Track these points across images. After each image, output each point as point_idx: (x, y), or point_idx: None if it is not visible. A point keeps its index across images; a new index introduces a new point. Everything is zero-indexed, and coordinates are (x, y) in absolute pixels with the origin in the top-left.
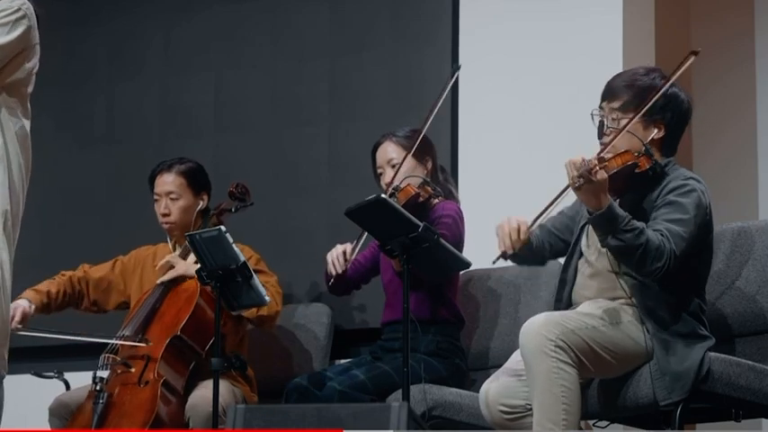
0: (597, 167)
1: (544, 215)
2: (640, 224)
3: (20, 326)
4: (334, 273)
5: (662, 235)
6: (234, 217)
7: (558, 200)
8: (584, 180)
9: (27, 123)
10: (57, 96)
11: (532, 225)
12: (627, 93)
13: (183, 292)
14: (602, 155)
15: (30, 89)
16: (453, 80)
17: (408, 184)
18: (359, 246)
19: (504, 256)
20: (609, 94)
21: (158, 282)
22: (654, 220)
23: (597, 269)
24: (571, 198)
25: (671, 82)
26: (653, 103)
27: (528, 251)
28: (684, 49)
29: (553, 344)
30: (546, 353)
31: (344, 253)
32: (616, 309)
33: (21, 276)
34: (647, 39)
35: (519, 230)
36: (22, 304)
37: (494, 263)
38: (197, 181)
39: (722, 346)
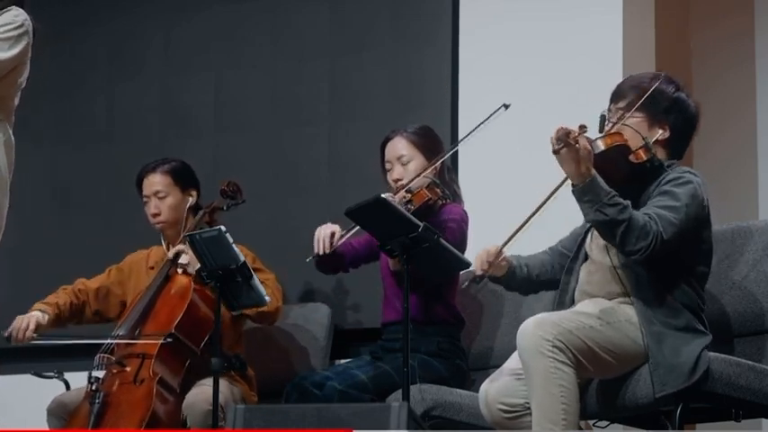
0: (577, 134)
1: (514, 238)
2: (626, 201)
3: (34, 335)
4: (318, 252)
5: (650, 217)
6: (234, 217)
7: (529, 222)
8: (562, 143)
9: (11, 134)
10: (57, 96)
11: (503, 246)
12: (633, 93)
13: (176, 290)
14: (585, 125)
15: (16, 102)
16: (494, 114)
17: (421, 189)
18: (350, 233)
19: (475, 279)
20: (616, 95)
21: (169, 255)
22: (646, 206)
23: (597, 265)
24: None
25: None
26: (657, 104)
27: (511, 276)
28: (684, 49)
29: (550, 344)
30: (543, 353)
31: (333, 234)
32: (614, 308)
33: (21, 275)
34: (647, 39)
35: (490, 253)
36: (36, 315)
37: (463, 286)
38: (183, 178)
39: (722, 346)
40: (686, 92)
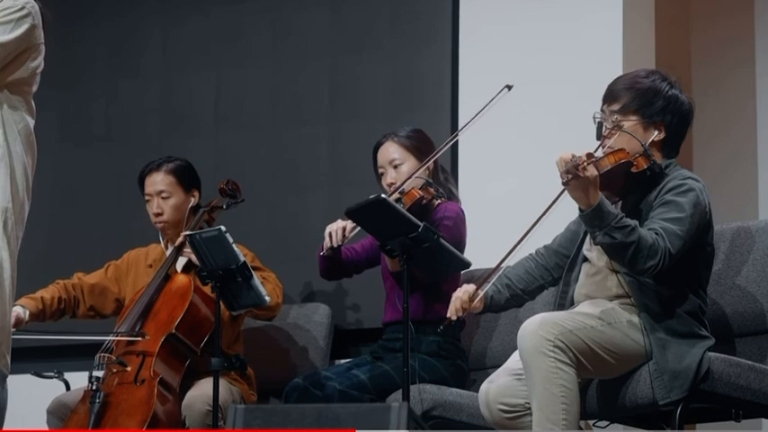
0: (585, 163)
1: (493, 278)
2: (633, 222)
3: (13, 329)
4: (329, 245)
5: (656, 234)
6: (233, 216)
7: (509, 257)
8: (571, 176)
9: (31, 121)
10: (56, 96)
11: (478, 290)
12: (627, 95)
13: (177, 290)
14: (592, 152)
15: (34, 88)
16: (498, 96)
17: (413, 188)
18: (358, 227)
19: (450, 323)
20: (609, 96)
21: (180, 237)
22: (651, 219)
23: (598, 267)
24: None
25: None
26: (651, 105)
27: (490, 307)
28: (684, 49)
29: (551, 344)
30: (544, 353)
31: (344, 229)
32: (615, 309)
33: (20, 275)
34: (647, 39)
35: (463, 300)
36: (16, 310)
37: (439, 330)
38: (187, 178)
39: (722, 346)
40: (679, 86)
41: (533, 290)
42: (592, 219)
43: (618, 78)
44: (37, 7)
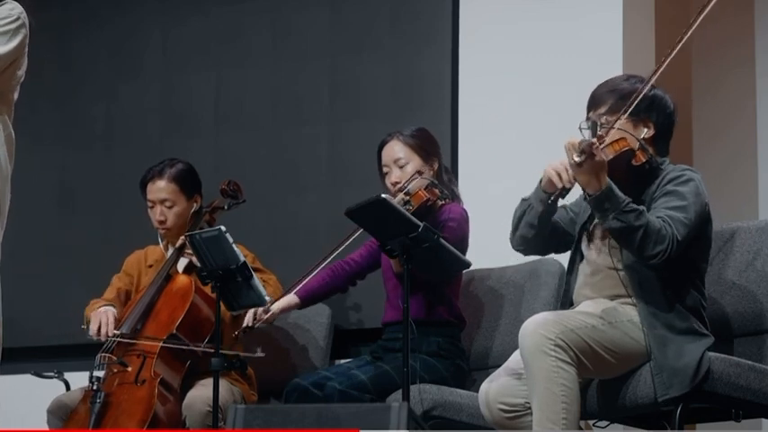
0: (598, 146)
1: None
2: (641, 207)
3: (117, 332)
4: (245, 325)
5: (663, 221)
6: (234, 216)
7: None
8: (586, 156)
9: (11, 129)
10: (57, 96)
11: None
12: (611, 97)
13: (178, 290)
14: (600, 133)
15: (15, 96)
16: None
17: (419, 190)
18: (270, 312)
19: (563, 192)
20: (594, 102)
21: (177, 243)
22: (654, 209)
23: (598, 267)
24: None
25: (704, 14)
26: (637, 104)
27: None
28: (685, 49)
29: (552, 343)
30: (545, 352)
31: (255, 313)
32: (616, 308)
33: (21, 276)
34: (647, 39)
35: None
36: (110, 309)
37: (550, 201)
38: (189, 184)
39: (722, 346)
40: (661, 89)
41: (553, 241)
42: (602, 202)
43: (599, 85)
44: (26, 16)
